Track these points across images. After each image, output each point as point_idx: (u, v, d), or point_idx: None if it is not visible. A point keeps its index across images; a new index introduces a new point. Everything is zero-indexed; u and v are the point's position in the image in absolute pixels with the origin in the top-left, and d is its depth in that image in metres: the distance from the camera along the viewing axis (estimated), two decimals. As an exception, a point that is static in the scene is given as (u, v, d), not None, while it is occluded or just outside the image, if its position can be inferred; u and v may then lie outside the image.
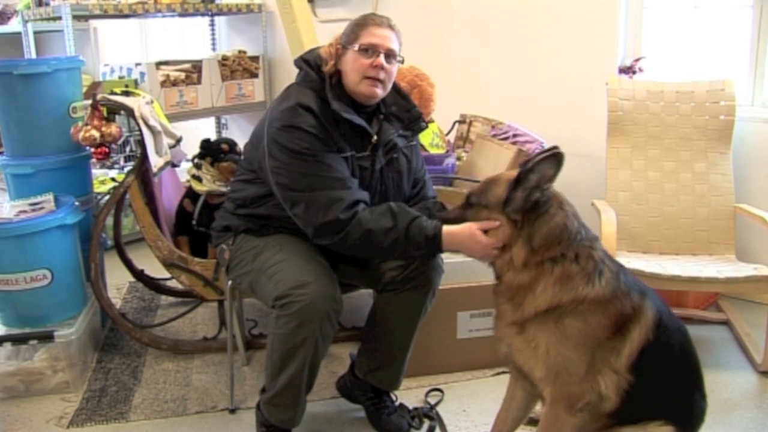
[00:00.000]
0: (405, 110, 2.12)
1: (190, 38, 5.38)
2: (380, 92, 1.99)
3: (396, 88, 2.13)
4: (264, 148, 1.96)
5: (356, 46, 1.95)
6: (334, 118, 1.94)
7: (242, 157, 2.23)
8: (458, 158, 3.09)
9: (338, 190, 1.87)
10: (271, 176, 1.95)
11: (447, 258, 2.12)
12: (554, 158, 1.56)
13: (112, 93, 2.74)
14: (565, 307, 1.56)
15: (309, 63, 2.03)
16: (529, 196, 1.58)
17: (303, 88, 1.99)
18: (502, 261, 1.65)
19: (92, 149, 2.67)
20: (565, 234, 1.59)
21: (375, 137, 2.02)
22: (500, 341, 1.70)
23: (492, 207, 1.66)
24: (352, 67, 1.96)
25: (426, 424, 2.25)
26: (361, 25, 1.98)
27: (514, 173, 1.62)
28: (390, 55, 1.97)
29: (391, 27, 2.00)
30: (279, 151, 1.91)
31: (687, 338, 1.69)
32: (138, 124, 2.61)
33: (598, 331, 1.55)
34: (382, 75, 1.96)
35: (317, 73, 2.00)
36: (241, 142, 2.18)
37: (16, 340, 2.43)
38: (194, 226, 2.75)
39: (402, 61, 2.03)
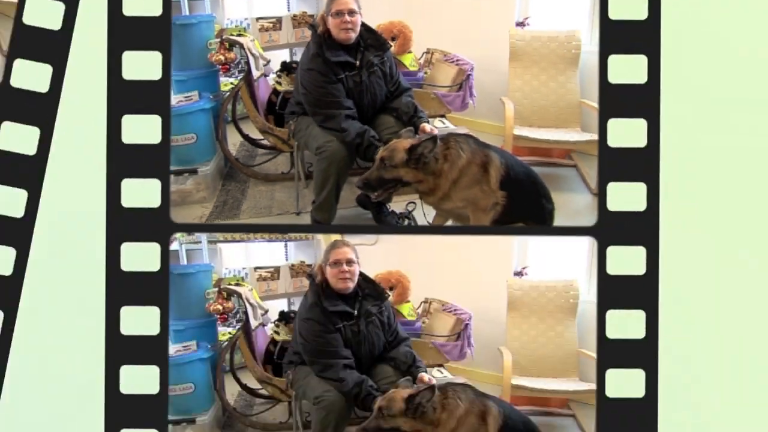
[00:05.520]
0: (376, 41, 2.38)
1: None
2: (352, 35, 2.37)
3: (369, 29, 2.39)
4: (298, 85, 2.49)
5: (330, 14, 2.34)
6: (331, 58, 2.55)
7: None
8: (425, 74, 3.57)
9: (340, 110, 2.26)
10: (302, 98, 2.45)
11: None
12: (433, 139, 2.10)
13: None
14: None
15: (314, 27, 2.42)
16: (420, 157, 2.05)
17: (311, 42, 2.39)
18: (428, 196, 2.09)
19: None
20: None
21: (357, 62, 2.43)
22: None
23: (398, 166, 2.12)
24: (332, 24, 2.37)
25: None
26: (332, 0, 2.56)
27: (408, 144, 2.09)
28: (352, 12, 2.32)
29: None
30: (302, 85, 2.32)
31: None
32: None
33: (476, 176, 1.96)
34: (349, 25, 2.35)
35: (317, 33, 2.40)
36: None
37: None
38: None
39: (360, 12, 2.33)
